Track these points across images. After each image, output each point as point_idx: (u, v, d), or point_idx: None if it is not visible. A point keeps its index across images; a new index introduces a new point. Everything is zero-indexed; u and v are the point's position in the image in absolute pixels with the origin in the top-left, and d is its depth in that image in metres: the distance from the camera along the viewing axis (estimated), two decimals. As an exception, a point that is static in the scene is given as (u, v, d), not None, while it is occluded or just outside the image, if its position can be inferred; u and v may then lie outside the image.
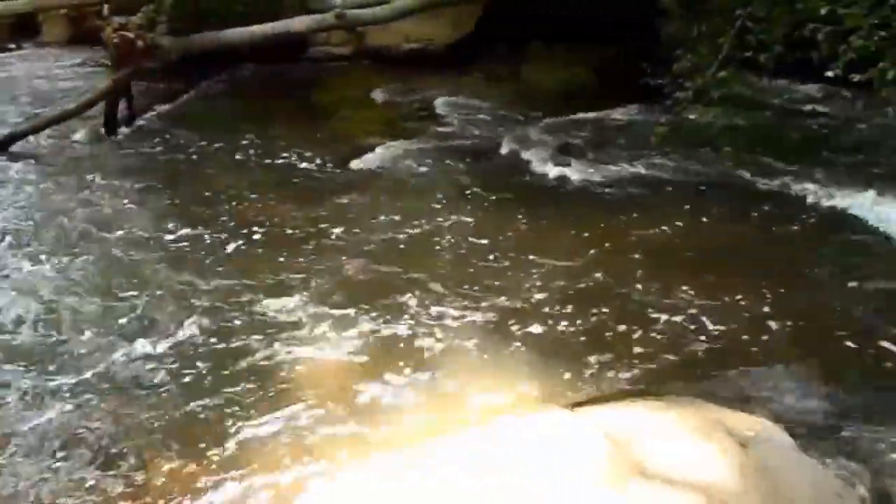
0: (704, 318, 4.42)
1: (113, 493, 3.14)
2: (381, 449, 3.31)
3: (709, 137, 6.22)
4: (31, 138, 7.40)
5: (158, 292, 4.66)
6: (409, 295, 4.65)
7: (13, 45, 11.94)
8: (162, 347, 4.11)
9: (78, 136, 7.61)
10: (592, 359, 4.05)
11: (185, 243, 5.36)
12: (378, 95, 8.76)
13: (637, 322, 4.41)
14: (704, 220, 5.67)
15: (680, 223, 5.65)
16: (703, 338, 4.27)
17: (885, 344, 4.16)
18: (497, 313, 4.47)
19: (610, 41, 9.02)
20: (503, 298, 4.62)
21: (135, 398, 3.73)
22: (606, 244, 5.32)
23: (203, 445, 3.39)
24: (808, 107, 7.74)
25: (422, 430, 3.45)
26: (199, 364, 4.00)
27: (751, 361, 4.03)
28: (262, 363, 4.01)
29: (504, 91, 8.69)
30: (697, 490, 2.69)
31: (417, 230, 5.56)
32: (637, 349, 4.16)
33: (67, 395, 3.72)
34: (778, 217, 5.74)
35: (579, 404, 3.52)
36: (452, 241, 5.40)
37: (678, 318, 4.43)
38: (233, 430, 3.49)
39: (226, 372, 3.94)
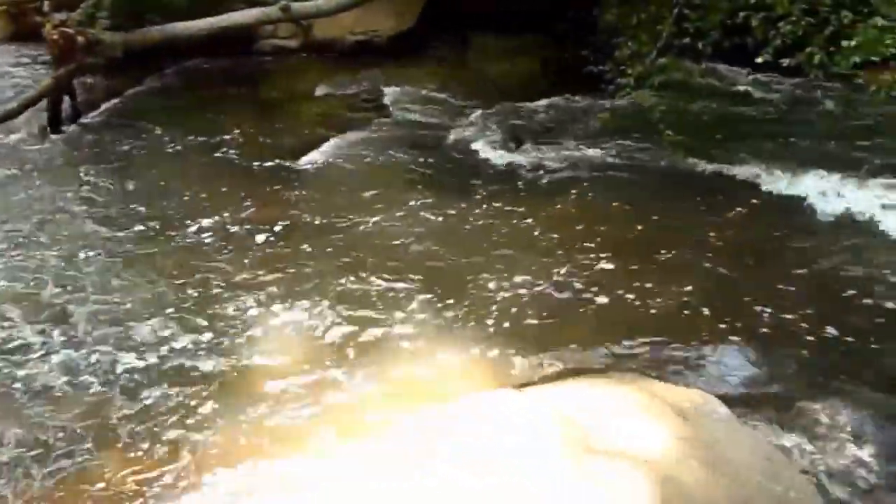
0: (648, 299, 4.57)
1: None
2: (336, 436, 3.42)
3: (651, 123, 6.35)
4: (-29, 140, 7.25)
5: (99, 297, 4.65)
6: (360, 285, 4.72)
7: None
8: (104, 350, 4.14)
9: (21, 134, 7.45)
10: (539, 340, 4.18)
11: (131, 244, 5.33)
12: (326, 88, 8.71)
13: (582, 303, 4.56)
14: (648, 203, 5.80)
15: (625, 207, 5.79)
16: (646, 317, 4.43)
17: (822, 319, 4.35)
18: (446, 300, 4.57)
19: (552, 30, 9.13)
20: (453, 285, 4.71)
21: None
22: (553, 229, 5.45)
23: (146, 446, 3.46)
24: (746, 91, 7.93)
25: (370, 417, 3.56)
26: (142, 363, 4.04)
27: (691, 338, 4.19)
28: (209, 362, 4.05)
29: (450, 81, 8.72)
30: (641, 463, 2.79)
31: (368, 221, 5.61)
32: (582, 330, 4.31)
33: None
34: (719, 199, 5.90)
35: (527, 384, 3.64)
36: (403, 230, 5.47)
37: (622, 299, 4.58)
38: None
39: (179, 366, 4.00)
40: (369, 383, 3.87)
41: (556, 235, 5.36)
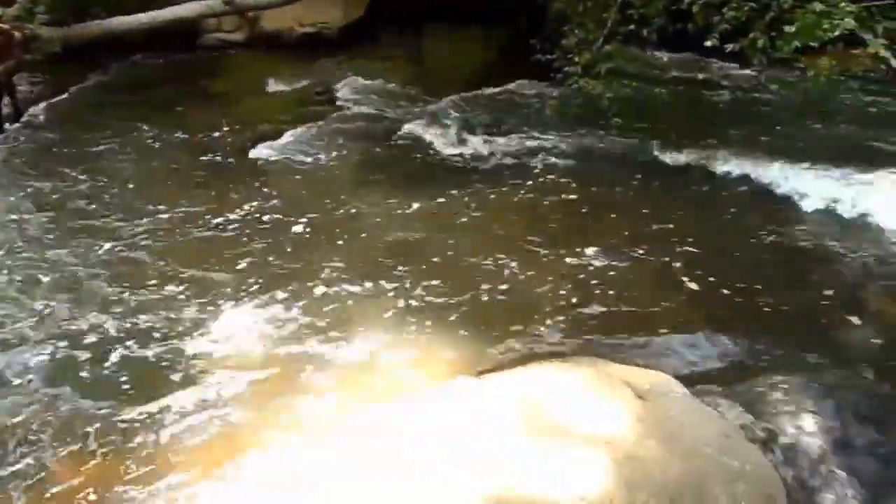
0: (603, 284, 4.64)
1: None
2: (301, 424, 3.41)
3: (600, 110, 6.42)
4: None
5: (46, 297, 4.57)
6: (314, 278, 4.70)
7: None
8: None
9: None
10: (500, 328, 4.21)
11: (78, 241, 5.22)
12: (275, 82, 8.61)
13: (540, 291, 4.59)
14: (600, 190, 5.89)
15: (577, 194, 5.85)
16: (602, 302, 4.48)
17: (775, 298, 4.46)
18: (402, 291, 4.57)
19: (501, 20, 9.16)
20: (410, 277, 4.72)
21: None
22: (507, 218, 5.50)
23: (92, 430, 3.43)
24: (691, 77, 8.08)
25: (334, 407, 3.56)
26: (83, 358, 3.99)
27: (649, 320, 4.27)
28: (160, 359, 4.01)
29: (401, 72, 8.70)
30: (602, 442, 2.87)
31: (321, 214, 5.58)
32: (541, 316, 4.34)
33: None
34: (668, 184, 6.00)
35: (487, 371, 3.68)
36: (357, 222, 5.46)
37: (578, 285, 4.63)
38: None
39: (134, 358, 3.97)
40: (333, 375, 3.86)
41: (510, 224, 5.40)
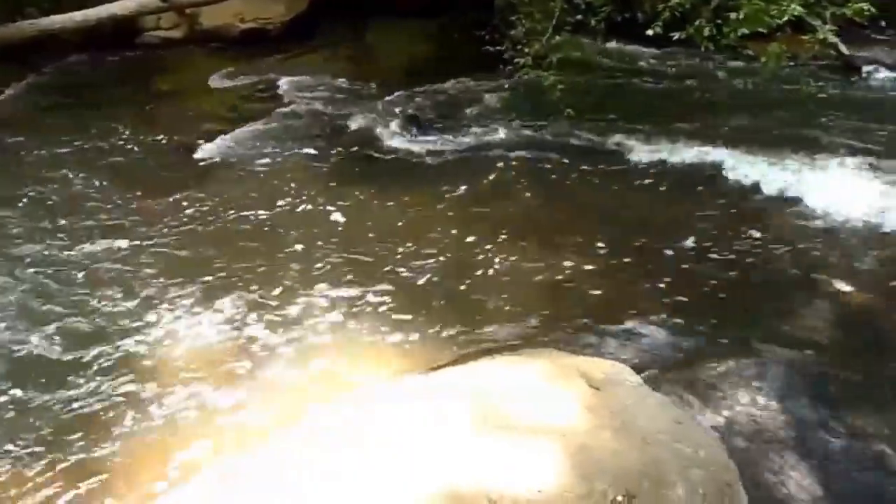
0: (555, 276, 4.59)
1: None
2: (255, 424, 3.35)
3: (550, 101, 6.36)
4: None
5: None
6: (260, 279, 4.58)
7: None
8: None
9: None
10: (453, 324, 4.14)
11: (16, 245, 5.04)
12: (217, 79, 8.39)
13: (494, 286, 4.52)
14: (551, 182, 5.83)
15: (528, 186, 5.79)
16: (555, 294, 4.44)
17: (726, 285, 4.46)
18: (352, 289, 4.47)
19: (448, 12, 9.08)
20: (362, 274, 4.62)
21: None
22: (459, 212, 5.40)
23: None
24: (640, 66, 8.06)
25: (288, 403, 3.50)
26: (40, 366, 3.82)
27: (602, 311, 4.23)
28: (94, 366, 3.88)
29: (347, 67, 8.55)
30: (556, 435, 2.79)
31: (267, 213, 5.44)
32: (493, 310, 4.28)
33: None
34: (621, 175, 5.95)
35: (440, 367, 3.61)
36: (304, 221, 5.33)
37: (530, 278, 4.58)
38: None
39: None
40: (278, 377, 3.79)
41: (462, 219, 5.30)
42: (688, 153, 6.10)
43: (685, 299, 4.34)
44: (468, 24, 8.35)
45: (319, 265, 4.72)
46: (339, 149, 6.67)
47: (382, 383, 3.49)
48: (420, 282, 4.56)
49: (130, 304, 4.39)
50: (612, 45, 8.18)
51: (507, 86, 7.39)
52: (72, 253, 4.97)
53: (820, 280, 4.46)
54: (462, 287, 4.52)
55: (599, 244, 4.89)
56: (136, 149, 6.74)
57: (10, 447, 3.38)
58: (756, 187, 5.58)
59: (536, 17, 6.65)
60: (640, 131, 6.49)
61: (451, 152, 6.49)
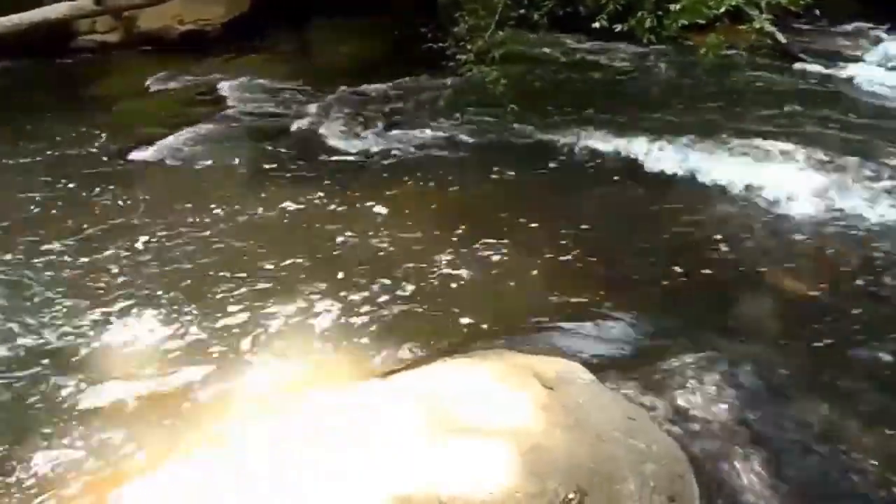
0: (507, 275, 4.54)
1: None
2: (195, 440, 3.21)
3: (495, 97, 6.34)
4: None
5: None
6: (202, 287, 4.45)
7: None
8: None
9: None
10: (404, 328, 4.06)
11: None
12: (155, 83, 8.21)
13: (444, 288, 4.45)
14: (499, 179, 5.80)
15: (473, 183, 5.76)
16: (506, 293, 4.39)
17: (679, 280, 4.45)
18: (306, 293, 4.37)
19: (390, 10, 9.01)
20: (308, 280, 4.51)
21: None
22: (406, 212, 5.33)
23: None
24: (584, 59, 8.11)
25: (239, 411, 3.42)
26: None
27: (554, 309, 4.18)
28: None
29: (290, 68, 8.45)
30: (508, 436, 2.78)
31: (206, 220, 5.29)
32: (444, 313, 4.21)
33: None
34: (568, 169, 5.95)
35: (392, 372, 3.55)
36: (246, 227, 5.19)
37: (482, 278, 4.52)
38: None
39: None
40: (222, 387, 3.66)
41: (409, 220, 5.23)
42: (630, 145, 6.08)
43: (635, 294, 4.33)
44: (410, 22, 8.31)
45: (261, 271, 4.60)
46: (281, 151, 6.56)
47: (332, 391, 3.40)
48: (367, 285, 4.46)
49: (50, 309, 4.26)
50: (556, 38, 8.21)
51: (450, 83, 7.35)
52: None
53: (764, 273, 4.49)
54: (411, 288, 4.44)
55: (546, 240, 4.86)
56: (64, 155, 6.52)
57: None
58: (697, 178, 5.60)
59: (480, 12, 6.63)
60: (584, 125, 6.49)
61: (396, 151, 6.42)
